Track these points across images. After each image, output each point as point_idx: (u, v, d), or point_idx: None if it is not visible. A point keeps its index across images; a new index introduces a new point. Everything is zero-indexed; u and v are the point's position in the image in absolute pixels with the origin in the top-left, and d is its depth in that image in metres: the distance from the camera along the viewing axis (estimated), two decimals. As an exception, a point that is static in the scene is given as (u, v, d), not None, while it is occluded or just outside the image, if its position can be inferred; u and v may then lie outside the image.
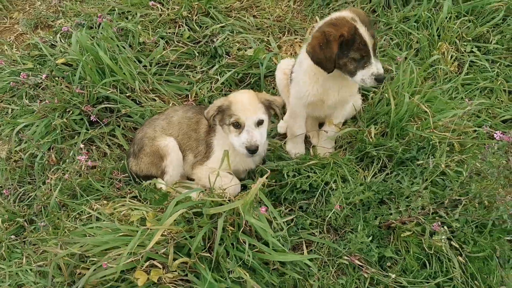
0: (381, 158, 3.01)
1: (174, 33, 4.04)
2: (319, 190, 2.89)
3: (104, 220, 2.68)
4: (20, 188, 3.30)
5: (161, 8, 4.22)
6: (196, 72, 3.81)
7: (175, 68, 3.84)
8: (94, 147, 3.50)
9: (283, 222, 2.70)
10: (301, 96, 2.93)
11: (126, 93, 3.52)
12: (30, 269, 2.65)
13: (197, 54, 3.92)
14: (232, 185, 2.80)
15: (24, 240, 2.91)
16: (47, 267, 2.54)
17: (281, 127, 3.47)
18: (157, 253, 2.30)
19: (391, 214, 2.79)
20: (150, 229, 2.31)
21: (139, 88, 3.53)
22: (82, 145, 3.28)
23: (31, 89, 3.74)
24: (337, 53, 2.50)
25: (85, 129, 3.44)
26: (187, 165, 3.10)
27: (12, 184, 3.32)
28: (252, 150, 2.63)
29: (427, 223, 2.52)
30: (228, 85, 3.75)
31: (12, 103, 3.91)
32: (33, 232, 2.93)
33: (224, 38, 3.98)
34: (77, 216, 2.85)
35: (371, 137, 3.00)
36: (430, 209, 2.54)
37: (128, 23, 3.97)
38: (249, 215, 2.43)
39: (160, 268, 2.31)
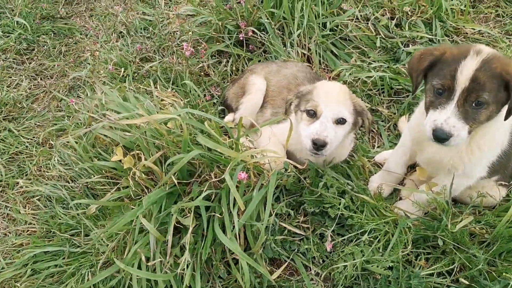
0: (455, 261, 2.49)
1: (376, 18, 3.96)
2: (353, 233, 2.66)
3: (153, 101, 3.05)
4: (156, 50, 4.06)
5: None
6: (362, 61, 3.70)
7: (348, 45, 3.83)
8: (225, 61, 3.90)
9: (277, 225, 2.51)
10: (411, 124, 2.58)
11: (283, 31, 3.78)
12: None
13: (378, 46, 3.82)
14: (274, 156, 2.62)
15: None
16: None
17: (381, 155, 3.09)
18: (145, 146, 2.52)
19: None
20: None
21: (297, 37, 3.69)
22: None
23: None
24: (426, 71, 2.14)
25: (231, 43, 3.81)
26: (262, 118, 3.12)
27: (153, 45, 4.10)
28: (318, 145, 2.41)
29: None
30: (380, 89, 3.48)
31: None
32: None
33: (415, 50, 3.75)
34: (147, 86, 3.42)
35: (452, 228, 2.45)
36: None
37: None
38: (231, 172, 2.30)
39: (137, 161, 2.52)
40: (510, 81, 1.93)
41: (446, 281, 2.36)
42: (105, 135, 2.67)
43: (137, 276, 2.21)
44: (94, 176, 2.70)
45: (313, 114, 2.51)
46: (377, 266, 2.34)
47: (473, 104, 1.97)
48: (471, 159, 2.27)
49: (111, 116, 2.42)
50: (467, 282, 2.28)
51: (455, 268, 2.36)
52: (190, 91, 3.36)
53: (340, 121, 2.50)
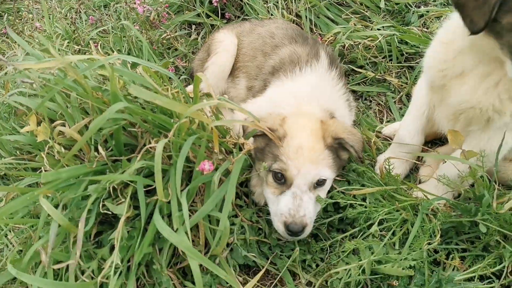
0: (504, 257, 1.80)
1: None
2: (358, 228, 2.00)
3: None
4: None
5: None
6: (364, 26, 3.08)
7: (346, 10, 3.25)
8: (196, 33, 3.37)
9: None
10: (429, 60, 1.90)
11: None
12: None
13: (382, 10, 3.21)
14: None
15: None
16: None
17: (391, 127, 2.46)
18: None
19: None
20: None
21: (285, 4, 3.15)
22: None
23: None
24: None
25: (203, 12, 3.27)
26: (236, 91, 2.58)
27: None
28: (294, 232, 1.81)
29: None
30: (388, 55, 2.85)
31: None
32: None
33: (429, 12, 3.10)
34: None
35: (499, 208, 1.69)
36: None
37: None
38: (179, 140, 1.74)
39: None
40: None
41: (493, 286, 1.70)
42: (20, 104, 2.06)
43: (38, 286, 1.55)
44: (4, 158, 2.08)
45: (281, 179, 1.89)
46: (393, 267, 1.69)
47: None
48: None
49: (15, 64, 1.80)
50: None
51: (505, 268, 1.72)
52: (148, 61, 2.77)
53: (320, 183, 1.91)
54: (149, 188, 1.81)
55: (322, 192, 1.94)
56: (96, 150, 1.84)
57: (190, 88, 2.59)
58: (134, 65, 2.17)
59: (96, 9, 3.73)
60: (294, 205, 1.82)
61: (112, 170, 1.82)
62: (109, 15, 3.61)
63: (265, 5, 3.14)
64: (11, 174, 2.09)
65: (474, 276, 1.72)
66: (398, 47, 2.85)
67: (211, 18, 3.26)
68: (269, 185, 1.92)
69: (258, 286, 1.87)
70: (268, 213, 1.97)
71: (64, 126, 1.97)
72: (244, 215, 1.98)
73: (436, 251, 1.81)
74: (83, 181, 1.74)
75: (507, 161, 2.06)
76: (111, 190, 1.71)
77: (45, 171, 1.92)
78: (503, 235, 1.75)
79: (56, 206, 1.74)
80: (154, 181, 1.81)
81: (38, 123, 1.91)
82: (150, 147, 1.80)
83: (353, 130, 2.04)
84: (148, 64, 1.87)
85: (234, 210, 1.96)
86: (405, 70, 2.83)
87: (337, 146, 1.95)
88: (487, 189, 1.75)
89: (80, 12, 3.81)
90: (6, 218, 1.72)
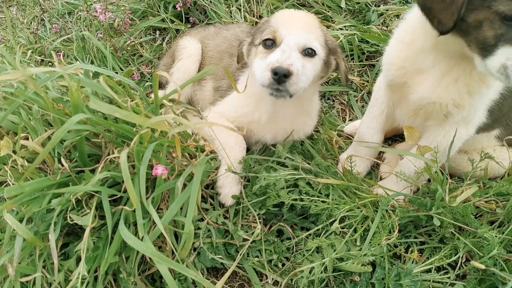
0: (459, 249, 1.90)
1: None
2: (321, 225, 2.06)
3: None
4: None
5: None
6: (326, 26, 3.32)
7: (308, 11, 3.42)
8: (162, 38, 3.38)
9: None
10: (387, 60, 1.95)
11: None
12: None
13: (343, 9, 3.25)
14: (237, 149, 2.12)
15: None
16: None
17: (352, 126, 2.52)
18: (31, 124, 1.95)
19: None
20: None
21: (246, 3, 3.20)
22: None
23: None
24: None
25: (168, 17, 3.29)
26: (202, 94, 2.58)
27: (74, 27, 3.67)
28: (280, 75, 1.75)
29: None
30: (349, 55, 2.91)
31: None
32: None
33: (388, 10, 3.19)
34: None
35: (452, 202, 1.78)
36: None
37: None
38: (141, 148, 1.76)
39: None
40: None
41: (449, 277, 1.78)
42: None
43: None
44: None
45: (271, 45, 1.89)
46: (354, 263, 1.75)
47: None
48: (474, 94, 1.72)
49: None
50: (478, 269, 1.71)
51: (460, 259, 1.80)
52: (113, 69, 2.78)
53: (308, 53, 1.89)
54: (114, 197, 1.84)
55: (309, 65, 1.89)
56: (60, 162, 1.86)
57: (161, 93, 2.61)
58: (96, 75, 2.17)
59: (60, 17, 3.71)
60: (282, 57, 1.79)
61: (76, 181, 1.84)
62: (73, 23, 3.58)
63: (228, 9, 3.18)
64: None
65: (432, 268, 1.81)
66: (359, 46, 2.92)
67: (175, 23, 3.28)
68: (258, 54, 1.93)
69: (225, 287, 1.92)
70: (235, 213, 2.02)
71: (28, 139, 1.99)
72: (210, 218, 2.01)
73: (396, 245, 1.89)
74: (47, 194, 1.76)
75: (461, 153, 2.14)
76: (75, 202, 1.73)
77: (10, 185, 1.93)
78: (458, 227, 1.83)
79: (21, 220, 1.76)
80: (119, 191, 1.85)
81: (1, 137, 1.92)
82: (114, 157, 1.83)
83: None
84: (109, 73, 1.89)
85: (200, 214, 2.00)
86: (366, 69, 2.91)
87: (330, 46, 2.01)
88: (440, 183, 1.83)
89: (44, 20, 3.79)
90: (-29, 234, 1.72)
